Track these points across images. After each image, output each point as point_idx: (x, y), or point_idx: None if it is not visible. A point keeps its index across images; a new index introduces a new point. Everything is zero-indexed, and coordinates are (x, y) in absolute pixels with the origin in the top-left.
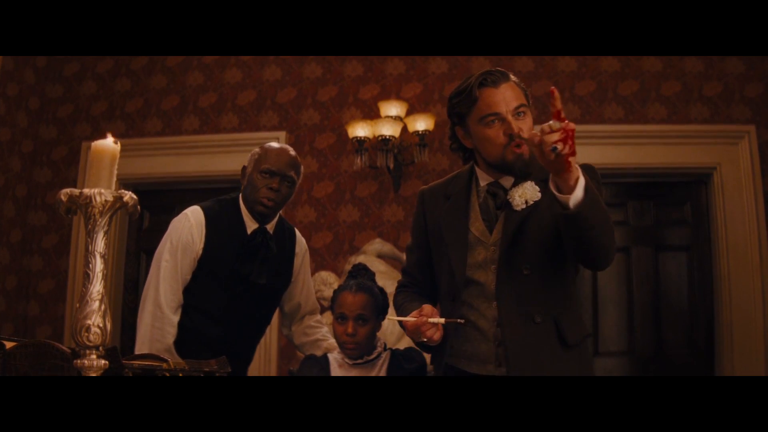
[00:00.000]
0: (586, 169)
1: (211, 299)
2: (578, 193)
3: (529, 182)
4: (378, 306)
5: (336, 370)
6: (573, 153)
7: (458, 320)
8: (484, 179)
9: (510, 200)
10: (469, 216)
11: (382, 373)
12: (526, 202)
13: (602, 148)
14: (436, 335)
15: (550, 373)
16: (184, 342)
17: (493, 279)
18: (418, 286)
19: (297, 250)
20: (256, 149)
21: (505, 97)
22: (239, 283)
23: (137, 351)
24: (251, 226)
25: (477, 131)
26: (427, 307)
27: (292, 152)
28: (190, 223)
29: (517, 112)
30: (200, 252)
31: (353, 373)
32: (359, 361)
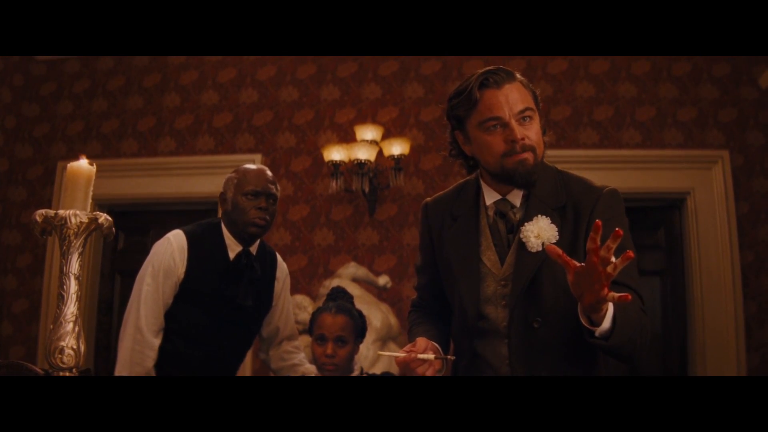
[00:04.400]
0: (612, 195)
1: (193, 323)
2: (605, 325)
3: (545, 220)
4: (357, 328)
5: None
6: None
7: (448, 357)
8: (490, 196)
9: (524, 240)
10: (480, 243)
11: None
12: (543, 244)
13: (577, 172)
14: (428, 372)
15: None
16: (164, 366)
17: (504, 317)
18: (428, 307)
19: (278, 274)
20: (231, 174)
21: (509, 99)
22: (222, 306)
23: (117, 374)
24: (234, 249)
25: (476, 137)
26: (421, 341)
27: (268, 171)
28: (172, 248)
29: (522, 117)
30: (182, 276)
31: None
32: None
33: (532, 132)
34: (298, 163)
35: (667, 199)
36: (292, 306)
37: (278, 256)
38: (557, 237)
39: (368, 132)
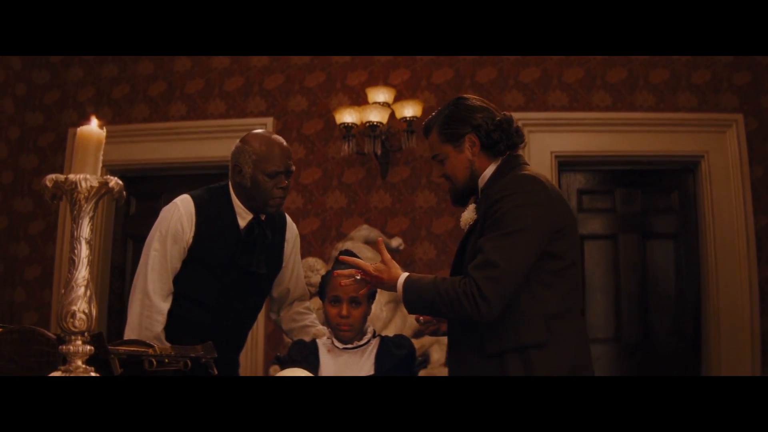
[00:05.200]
0: (504, 183)
1: (202, 287)
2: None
3: (471, 206)
4: (369, 290)
5: (325, 356)
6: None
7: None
8: None
9: (460, 221)
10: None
11: (371, 359)
12: (467, 224)
13: (590, 135)
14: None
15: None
16: (174, 330)
17: None
18: None
19: (288, 236)
20: (245, 146)
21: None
22: (230, 270)
23: (126, 338)
24: (245, 216)
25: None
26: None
27: (285, 144)
28: (179, 212)
29: (437, 160)
30: (190, 241)
31: (343, 358)
32: (349, 346)
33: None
34: (310, 126)
35: (680, 162)
36: (302, 267)
37: (287, 217)
38: (474, 219)
39: (380, 94)
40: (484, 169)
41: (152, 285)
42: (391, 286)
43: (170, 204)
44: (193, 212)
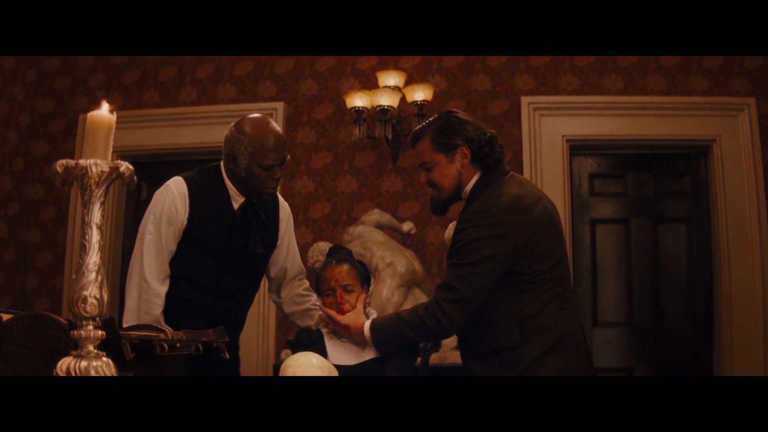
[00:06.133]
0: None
1: (198, 269)
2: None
3: (453, 223)
4: (361, 276)
5: (329, 344)
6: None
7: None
8: None
9: (445, 236)
10: None
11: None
12: (449, 241)
13: (601, 119)
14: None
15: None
16: (172, 313)
17: None
18: None
19: (281, 215)
20: (240, 136)
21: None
22: (226, 251)
23: (125, 323)
24: (237, 199)
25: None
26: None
27: (279, 130)
28: (173, 195)
29: (425, 168)
30: (185, 222)
31: (347, 347)
32: None
33: (431, 176)
34: (321, 111)
35: (692, 146)
36: (296, 245)
37: (280, 197)
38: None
39: (391, 78)
40: (469, 180)
41: (149, 269)
42: (357, 333)
43: (162, 187)
44: (187, 194)
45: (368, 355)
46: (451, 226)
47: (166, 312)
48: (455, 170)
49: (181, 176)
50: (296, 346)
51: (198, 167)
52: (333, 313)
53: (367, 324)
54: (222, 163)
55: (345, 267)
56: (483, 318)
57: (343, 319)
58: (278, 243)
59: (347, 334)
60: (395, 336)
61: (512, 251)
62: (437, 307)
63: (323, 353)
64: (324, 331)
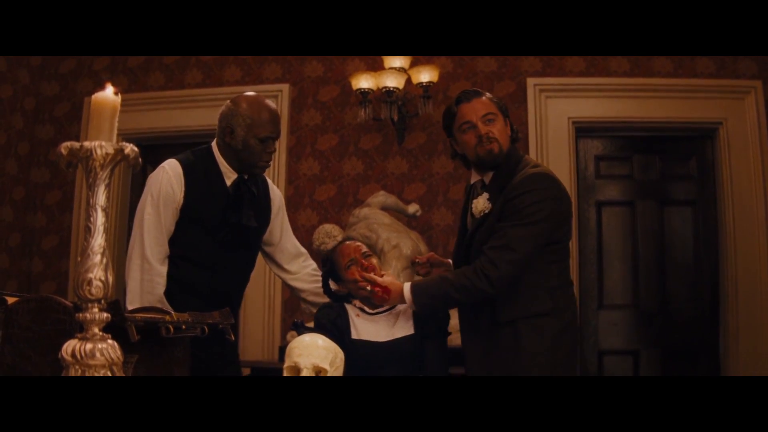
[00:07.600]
0: (523, 180)
1: (197, 247)
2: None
3: (484, 196)
4: (371, 249)
5: (357, 321)
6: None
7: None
8: (474, 177)
9: (473, 208)
10: (467, 210)
11: (405, 320)
12: (481, 212)
13: (607, 101)
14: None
15: (479, 346)
16: (173, 292)
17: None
18: None
19: (272, 195)
20: (238, 108)
21: (475, 108)
22: (222, 227)
23: (128, 304)
24: (230, 176)
25: (458, 137)
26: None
27: (275, 107)
28: (168, 175)
29: (486, 120)
30: (181, 201)
31: (378, 323)
32: (380, 310)
33: (495, 128)
34: (326, 93)
35: (699, 128)
36: (290, 228)
37: (268, 180)
38: (489, 207)
39: (396, 60)
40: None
41: (150, 249)
42: (397, 295)
43: (157, 169)
44: (182, 173)
45: (399, 332)
46: (485, 196)
47: (165, 292)
48: (507, 133)
49: (175, 158)
50: (301, 327)
51: (190, 149)
52: (372, 276)
53: (407, 285)
54: (214, 143)
55: (355, 242)
56: (515, 285)
57: (383, 281)
58: (271, 218)
59: (385, 298)
60: (438, 297)
61: (560, 215)
62: (492, 266)
63: (347, 330)
64: (349, 308)
